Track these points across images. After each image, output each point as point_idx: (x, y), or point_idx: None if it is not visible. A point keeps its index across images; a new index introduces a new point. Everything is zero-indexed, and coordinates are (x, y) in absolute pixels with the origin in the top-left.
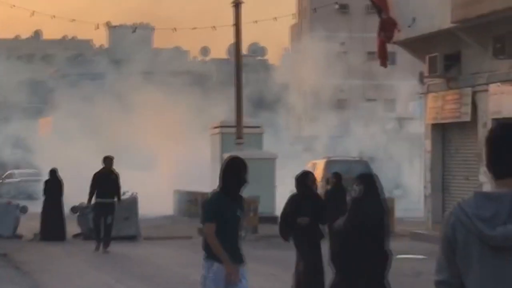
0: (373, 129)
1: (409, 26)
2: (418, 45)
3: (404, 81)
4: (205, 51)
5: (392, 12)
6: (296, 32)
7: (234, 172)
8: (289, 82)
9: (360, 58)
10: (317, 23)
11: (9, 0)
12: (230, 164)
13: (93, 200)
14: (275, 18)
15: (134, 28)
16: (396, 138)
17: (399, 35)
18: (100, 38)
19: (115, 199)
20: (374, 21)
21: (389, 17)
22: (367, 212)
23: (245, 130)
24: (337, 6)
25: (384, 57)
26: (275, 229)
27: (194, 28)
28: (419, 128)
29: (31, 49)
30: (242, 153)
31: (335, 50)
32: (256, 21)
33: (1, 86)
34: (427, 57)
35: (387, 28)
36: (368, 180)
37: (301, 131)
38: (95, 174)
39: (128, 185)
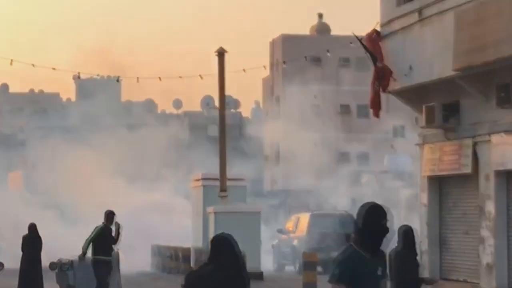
0: (348, 183)
1: (405, 75)
2: (414, 95)
3: (379, 134)
4: (177, 103)
5: (387, 61)
6: (268, 84)
7: (375, 221)
8: (261, 135)
9: (333, 111)
10: (290, 75)
11: None
12: (371, 213)
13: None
14: (244, 70)
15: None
16: (375, 192)
17: (393, 84)
18: (68, 92)
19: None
20: (347, 74)
21: (384, 65)
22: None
23: (228, 183)
24: (308, 59)
25: (377, 108)
26: (262, 285)
27: (181, 77)
28: (394, 182)
29: None
30: (226, 207)
31: (307, 103)
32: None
33: None
34: (423, 107)
35: (382, 77)
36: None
37: (273, 185)
38: (98, 229)
39: None
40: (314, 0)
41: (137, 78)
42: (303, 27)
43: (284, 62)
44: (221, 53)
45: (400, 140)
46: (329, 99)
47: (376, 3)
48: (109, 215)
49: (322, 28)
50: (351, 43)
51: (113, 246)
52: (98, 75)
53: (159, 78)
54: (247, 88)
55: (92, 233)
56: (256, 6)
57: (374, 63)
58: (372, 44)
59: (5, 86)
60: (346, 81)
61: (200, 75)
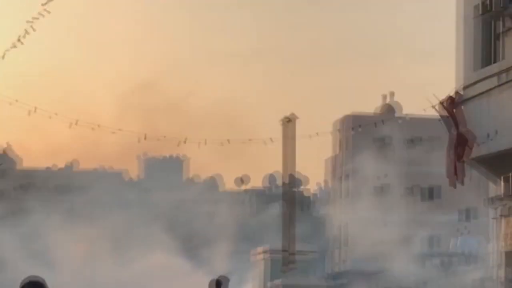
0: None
1: (483, 142)
2: (494, 163)
3: (445, 215)
4: (240, 180)
5: (466, 126)
6: (333, 164)
7: None
8: (326, 215)
9: (401, 192)
10: (357, 154)
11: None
12: None
13: None
14: (317, 133)
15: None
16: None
17: (469, 152)
18: (132, 169)
19: None
20: (414, 154)
21: (464, 131)
22: None
23: (297, 256)
24: (375, 139)
25: (453, 177)
26: None
27: (250, 140)
28: (460, 266)
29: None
30: (295, 281)
31: (374, 183)
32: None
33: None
34: (502, 177)
35: (460, 144)
36: None
37: (337, 266)
38: None
39: None
40: (380, 80)
41: (205, 139)
42: (369, 106)
43: (359, 126)
44: (289, 119)
45: (467, 223)
46: (396, 181)
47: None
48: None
49: (389, 109)
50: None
51: None
52: (160, 155)
53: (228, 140)
54: (312, 164)
55: None
56: (322, 85)
57: (449, 130)
58: (452, 109)
59: (74, 162)
60: (414, 162)
61: (270, 138)
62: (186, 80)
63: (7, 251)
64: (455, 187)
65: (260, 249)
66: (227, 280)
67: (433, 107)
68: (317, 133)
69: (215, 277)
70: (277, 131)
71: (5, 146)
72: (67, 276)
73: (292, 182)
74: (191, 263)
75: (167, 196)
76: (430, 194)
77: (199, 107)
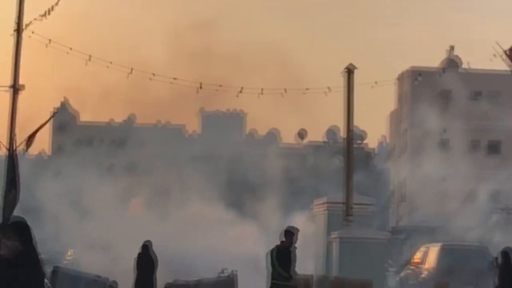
0: (478, 219)
1: None
2: None
3: (508, 170)
4: (301, 134)
5: None
6: (393, 118)
7: None
8: (387, 169)
9: (463, 146)
10: (418, 109)
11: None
12: None
13: None
14: (375, 83)
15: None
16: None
17: None
18: (193, 124)
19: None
20: (478, 108)
21: None
22: None
23: (354, 209)
24: (437, 93)
25: None
26: None
27: (307, 89)
28: None
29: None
30: (352, 233)
31: (437, 138)
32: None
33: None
34: None
35: None
36: None
37: (398, 222)
38: (272, 251)
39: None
40: (445, 33)
41: (261, 89)
42: (432, 60)
43: (419, 74)
44: (350, 70)
45: None
46: (458, 135)
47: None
48: (287, 234)
49: (452, 63)
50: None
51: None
52: (218, 110)
53: (285, 89)
54: (374, 118)
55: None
56: (386, 37)
57: None
58: None
59: (132, 117)
60: (476, 117)
61: (328, 87)
62: (243, 25)
63: (63, 204)
64: None
65: (320, 202)
66: (297, 230)
67: (500, 56)
68: (376, 82)
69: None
70: (338, 82)
71: (64, 100)
72: (121, 227)
73: (352, 136)
74: (251, 215)
75: (227, 151)
76: (493, 149)
77: (255, 54)
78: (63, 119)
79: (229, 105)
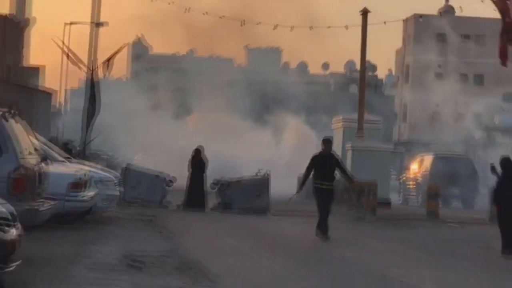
0: (464, 136)
1: None
2: None
3: (491, 97)
4: (325, 66)
5: None
6: (399, 54)
7: None
8: (392, 95)
9: (455, 78)
10: (419, 48)
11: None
12: None
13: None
14: (384, 22)
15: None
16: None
17: None
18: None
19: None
20: (466, 48)
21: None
22: None
23: (365, 125)
24: (435, 35)
25: (505, 58)
26: (390, 212)
27: (329, 27)
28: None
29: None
30: (362, 144)
31: (433, 71)
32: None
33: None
34: None
35: (509, 30)
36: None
37: (400, 137)
38: (314, 157)
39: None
40: None
41: (292, 26)
42: (432, 8)
43: (420, 16)
44: (365, 12)
45: (509, 104)
46: (450, 69)
47: None
48: (326, 143)
49: (448, 9)
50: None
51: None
52: (260, 46)
53: (310, 27)
54: (384, 52)
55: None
56: None
57: (503, 18)
58: (502, 3)
59: (193, 50)
60: (465, 54)
61: (346, 26)
62: None
63: (136, 118)
64: (506, 66)
65: (338, 118)
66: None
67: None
68: (384, 22)
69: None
70: (355, 20)
71: (139, 35)
72: (179, 136)
73: (365, 68)
74: (281, 129)
75: (267, 78)
76: (478, 80)
77: None
78: (138, 50)
79: (267, 39)
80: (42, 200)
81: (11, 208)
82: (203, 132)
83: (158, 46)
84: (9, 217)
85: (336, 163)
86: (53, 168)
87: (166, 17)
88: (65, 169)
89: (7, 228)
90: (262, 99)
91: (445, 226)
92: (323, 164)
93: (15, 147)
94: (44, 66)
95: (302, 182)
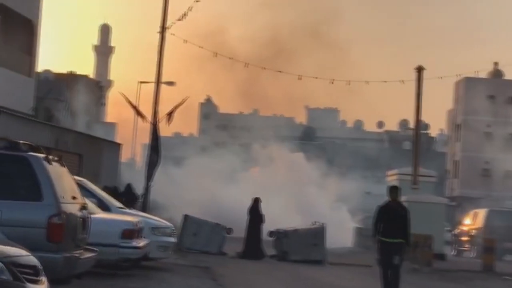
0: None
1: None
2: None
3: None
4: (380, 124)
5: None
6: (452, 114)
7: None
8: (444, 152)
9: (503, 137)
10: (469, 109)
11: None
12: None
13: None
14: (441, 77)
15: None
16: None
17: None
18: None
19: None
20: None
21: None
22: None
23: (420, 179)
24: (485, 97)
25: None
26: (445, 264)
27: (384, 82)
28: None
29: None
30: (417, 197)
31: (482, 130)
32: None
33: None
34: None
35: None
36: None
37: (452, 192)
38: (381, 208)
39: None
40: (491, 50)
41: (349, 81)
42: (481, 69)
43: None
44: (419, 69)
45: None
46: (499, 128)
47: None
48: (392, 190)
49: (497, 73)
50: None
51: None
52: (318, 107)
53: (366, 81)
54: (434, 114)
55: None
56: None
57: None
58: None
59: (257, 111)
60: None
61: (401, 81)
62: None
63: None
64: None
65: (392, 173)
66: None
67: None
68: (441, 77)
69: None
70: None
71: (208, 96)
72: (238, 188)
73: (419, 126)
74: (338, 183)
75: (326, 134)
76: None
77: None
78: (207, 109)
79: (325, 97)
80: (84, 248)
81: (35, 261)
82: (263, 186)
83: (225, 106)
84: (31, 270)
85: (406, 215)
86: (107, 215)
87: (229, 74)
88: (119, 216)
89: (29, 284)
90: (320, 154)
91: (501, 280)
92: (391, 215)
93: (56, 192)
94: (116, 123)
95: (374, 237)
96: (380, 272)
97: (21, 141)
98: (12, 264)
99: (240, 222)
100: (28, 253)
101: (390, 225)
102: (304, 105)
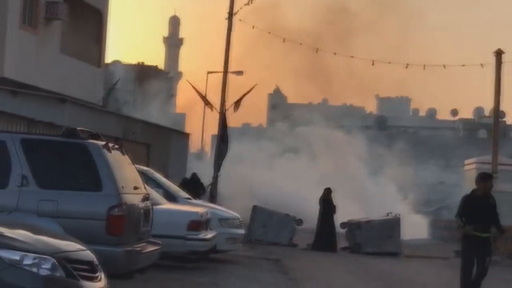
0: None
1: None
2: None
3: None
4: (454, 112)
5: None
6: None
7: None
8: None
9: None
10: None
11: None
12: None
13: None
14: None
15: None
16: None
17: None
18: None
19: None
20: None
21: None
22: None
23: (499, 167)
24: None
25: None
26: None
27: (463, 65)
28: None
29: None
30: (499, 186)
31: None
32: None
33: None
34: None
35: None
36: None
37: None
38: (466, 198)
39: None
40: None
41: (424, 65)
42: None
43: None
44: (498, 53)
45: None
46: None
47: None
48: (484, 178)
49: None
50: None
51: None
52: (389, 96)
53: (444, 65)
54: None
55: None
56: None
57: None
58: None
59: (326, 99)
60: None
61: (481, 64)
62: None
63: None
64: None
65: (470, 161)
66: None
67: None
68: None
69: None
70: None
71: (276, 86)
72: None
73: (498, 112)
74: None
75: (398, 123)
76: None
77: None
78: (275, 100)
79: (397, 86)
80: (147, 241)
81: (91, 256)
82: (331, 177)
83: (293, 96)
84: (86, 266)
85: (495, 206)
86: (173, 206)
87: (300, 63)
88: (186, 207)
89: (84, 281)
90: (392, 144)
91: None
92: (479, 207)
93: (116, 182)
94: (185, 114)
95: (462, 229)
96: (462, 266)
97: (79, 128)
98: (66, 260)
99: (305, 213)
100: (83, 247)
101: (479, 217)
102: (374, 94)
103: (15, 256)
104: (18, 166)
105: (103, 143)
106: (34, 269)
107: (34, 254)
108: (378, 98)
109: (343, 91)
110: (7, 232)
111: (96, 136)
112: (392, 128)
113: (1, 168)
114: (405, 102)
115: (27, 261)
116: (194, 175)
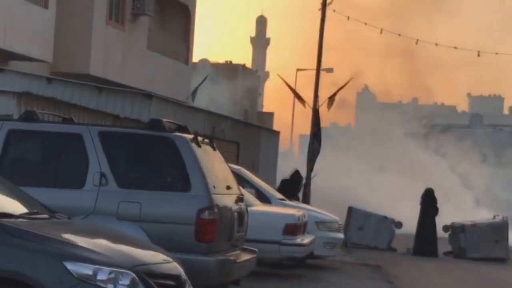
0: None
1: None
2: None
3: None
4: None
5: None
6: None
7: None
8: None
9: None
10: None
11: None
12: None
13: None
14: None
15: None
16: None
17: None
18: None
19: None
20: None
21: None
22: None
23: None
24: None
25: None
26: None
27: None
28: None
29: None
30: None
31: None
32: None
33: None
34: None
35: None
36: None
37: None
38: None
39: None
40: None
41: (478, 52)
42: None
43: None
44: None
45: None
46: None
47: None
48: None
49: None
50: None
51: None
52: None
53: (478, 52)
54: None
55: None
56: None
57: None
58: None
59: (416, 99)
60: None
61: None
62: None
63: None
64: None
65: None
66: None
67: None
68: None
69: None
70: None
71: (365, 85)
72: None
73: None
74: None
75: (492, 121)
76: None
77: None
78: (364, 99)
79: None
80: (242, 248)
81: (179, 269)
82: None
83: (383, 95)
84: (173, 282)
85: None
86: (267, 208)
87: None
88: (282, 209)
89: None
90: (487, 141)
91: None
92: None
93: (207, 181)
94: (273, 113)
95: None
96: None
97: (165, 119)
98: (148, 274)
99: (401, 215)
100: (170, 259)
101: None
102: (466, 93)
103: (87, 270)
104: (96, 163)
105: (192, 136)
106: (110, 286)
107: (110, 268)
108: (470, 96)
109: (433, 91)
110: (79, 240)
111: (184, 129)
112: (486, 126)
113: (77, 165)
114: (498, 100)
115: (102, 276)
116: (297, 172)
